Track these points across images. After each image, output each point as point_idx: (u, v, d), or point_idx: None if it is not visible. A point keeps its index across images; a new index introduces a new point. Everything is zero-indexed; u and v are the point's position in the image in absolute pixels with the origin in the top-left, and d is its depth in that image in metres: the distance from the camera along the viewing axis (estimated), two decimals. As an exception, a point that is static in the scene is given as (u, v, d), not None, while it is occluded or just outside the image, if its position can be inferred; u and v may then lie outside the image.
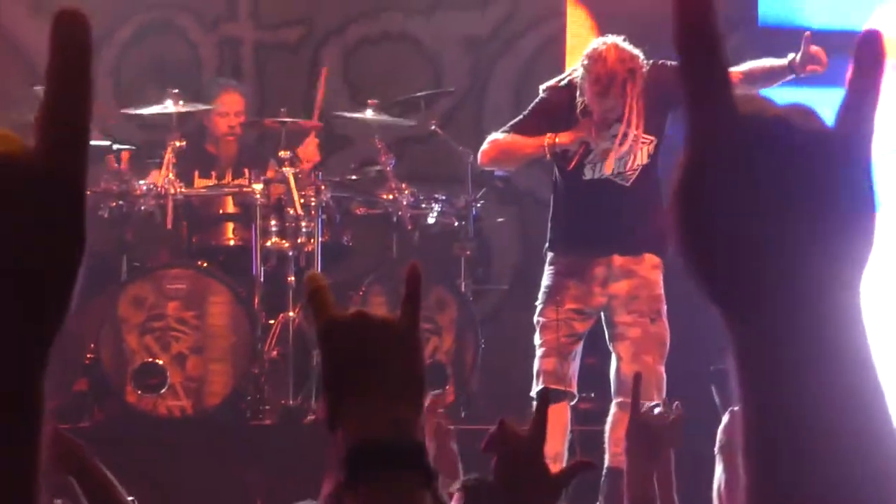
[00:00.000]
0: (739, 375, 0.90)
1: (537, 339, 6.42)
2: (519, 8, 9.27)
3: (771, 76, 6.26)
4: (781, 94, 6.35)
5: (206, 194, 7.56)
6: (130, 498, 3.11)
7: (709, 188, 0.88)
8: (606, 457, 6.05)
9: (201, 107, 7.87)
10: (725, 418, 3.45)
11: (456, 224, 7.81)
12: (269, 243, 7.37)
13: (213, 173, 7.78)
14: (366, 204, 7.71)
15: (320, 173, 7.56)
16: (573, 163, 6.30)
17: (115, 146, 7.66)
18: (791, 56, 6.26)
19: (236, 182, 7.57)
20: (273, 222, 7.39)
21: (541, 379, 6.32)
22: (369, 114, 7.78)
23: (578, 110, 6.24)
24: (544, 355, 6.36)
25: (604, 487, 6.02)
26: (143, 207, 7.35)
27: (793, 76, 6.26)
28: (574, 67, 6.36)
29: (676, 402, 3.36)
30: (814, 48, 6.23)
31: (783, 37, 7.30)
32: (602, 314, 6.39)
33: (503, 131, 6.43)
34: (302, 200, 7.33)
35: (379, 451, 1.54)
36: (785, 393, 0.89)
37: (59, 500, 3.09)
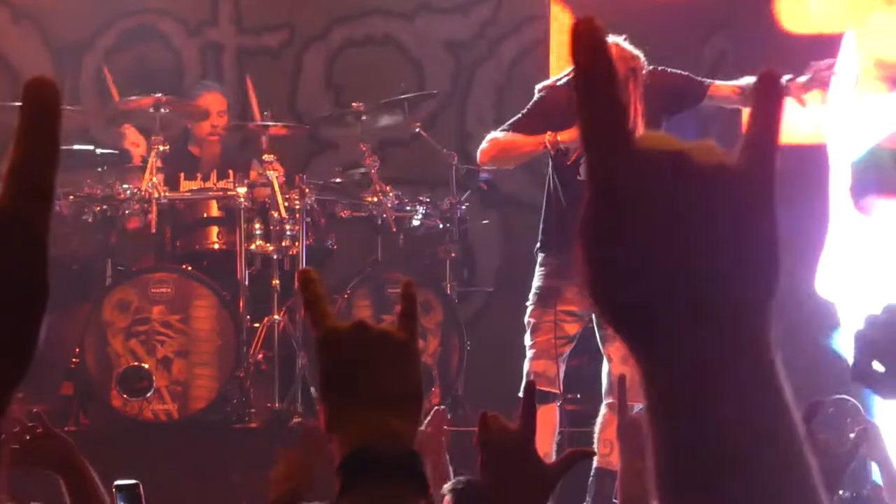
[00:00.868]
0: (648, 410, 0.91)
1: (528, 340, 6.42)
2: (501, 11, 9.28)
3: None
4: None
5: (190, 198, 7.56)
6: (135, 481, 3.14)
7: (609, 225, 0.89)
8: (595, 458, 6.06)
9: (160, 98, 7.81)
10: None
11: (441, 226, 7.81)
12: (253, 247, 7.37)
13: (198, 175, 7.78)
14: (350, 207, 7.71)
15: (305, 176, 7.55)
16: (572, 159, 6.29)
17: (98, 150, 7.67)
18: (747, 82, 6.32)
19: (220, 185, 7.56)
20: (257, 226, 7.39)
21: (531, 380, 6.31)
22: (353, 117, 7.79)
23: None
24: (536, 357, 6.37)
25: (592, 487, 6.03)
26: (127, 212, 7.35)
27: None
28: (572, 67, 6.36)
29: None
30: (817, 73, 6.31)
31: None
32: (593, 316, 6.39)
33: (502, 130, 6.43)
34: (286, 204, 7.33)
35: (375, 459, 1.55)
36: (694, 427, 0.89)
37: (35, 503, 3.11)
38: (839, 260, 8.28)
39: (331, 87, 9.26)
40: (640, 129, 6.18)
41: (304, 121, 8.56)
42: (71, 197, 7.30)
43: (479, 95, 9.28)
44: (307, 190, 7.41)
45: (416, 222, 7.79)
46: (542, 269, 6.45)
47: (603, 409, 6.24)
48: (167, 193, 7.39)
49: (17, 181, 0.90)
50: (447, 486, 3.37)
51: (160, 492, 6.73)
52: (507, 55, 9.28)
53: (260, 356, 7.37)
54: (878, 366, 2.69)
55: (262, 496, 6.09)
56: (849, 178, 8.26)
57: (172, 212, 7.48)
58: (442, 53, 9.31)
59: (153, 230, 7.34)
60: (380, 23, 9.33)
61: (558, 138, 6.22)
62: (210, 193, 7.53)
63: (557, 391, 6.30)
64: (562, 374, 6.35)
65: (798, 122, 7.75)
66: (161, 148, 7.41)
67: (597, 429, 6.15)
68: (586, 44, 0.90)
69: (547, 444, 6.06)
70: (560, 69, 7.34)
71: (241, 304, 7.35)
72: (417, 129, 7.98)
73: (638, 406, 3.52)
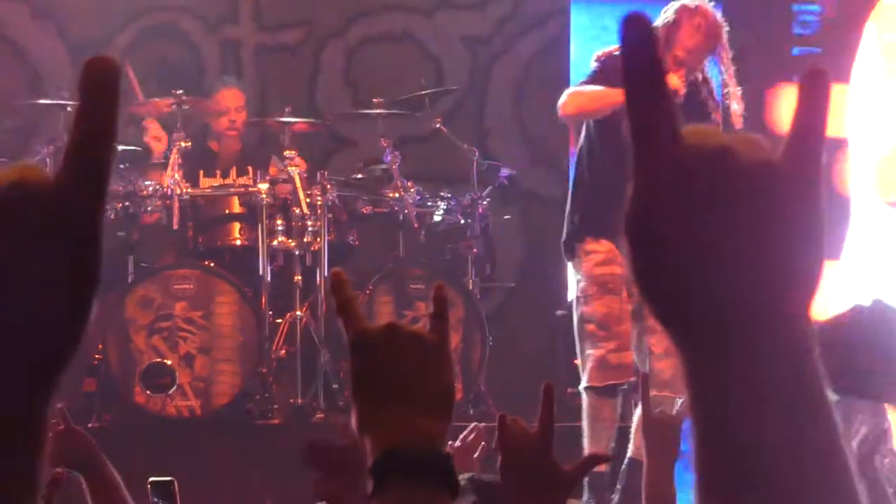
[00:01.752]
0: (691, 402, 0.91)
1: (599, 332, 6.19)
2: (520, 7, 9.28)
3: None
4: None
5: (211, 194, 7.58)
6: (170, 478, 3.14)
7: (655, 218, 0.89)
8: (630, 447, 6.01)
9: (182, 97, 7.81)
10: None
11: (462, 222, 7.81)
12: (275, 243, 7.38)
13: (218, 171, 7.79)
14: (371, 203, 7.71)
15: (326, 172, 7.57)
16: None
17: (120, 147, 7.68)
18: None
19: (242, 181, 7.58)
20: (279, 222, 7.40)
21: (620, 373, 6.14)
22: (374, 112, 7.80)
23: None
24: (620, 348, 6.17)
25: (623, 477, 6.01)
26: (149, 208, 7.37)
27: None
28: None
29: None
30: None
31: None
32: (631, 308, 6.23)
33: (578, 85, 6.32)
34: (308, 200, 7.34)
35: (406, 460, 1.56)
36: (735, 422, 0.89)
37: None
38: (858, 257, 8.27)
39: (349, 84, 9.26)
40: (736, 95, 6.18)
41: (322, 117, 8.56)
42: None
43: (498, 91, 9.28)
44: (329, 186, 7.42)
45: (437, 218, 7.79)
46: (593, 256, 6.22)
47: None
48: (189, 190, 7.41)
49: (73, 162, 0.90)
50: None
51: (182, 488, 6.74)
52: (525, 51, 9.28)
53: (282, 352, 7.39)
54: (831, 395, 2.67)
55: (288, 492, 6.11)
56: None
57: (194, 208, 7.50)
58: (460, 50, 9.31)
59: (175, 227, 7.36)
60: (398, 19, 9.34)
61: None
62: (232, 189, 7.55)
63: (633, 379, 6.12)
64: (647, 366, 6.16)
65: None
66: (182, 144, 7.43)
67: (634, 419, 6.09)
68: (632, 38, 0.90)
69: (605, 445, 5.99)
70: (581, 65, 7.33)
71: (263, 300, 7.36)
72: (438, 125, 7.98)
73: (680, 399, 3.52)
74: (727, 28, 6.17)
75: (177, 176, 7.35)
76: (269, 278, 7.40)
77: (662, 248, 0.89)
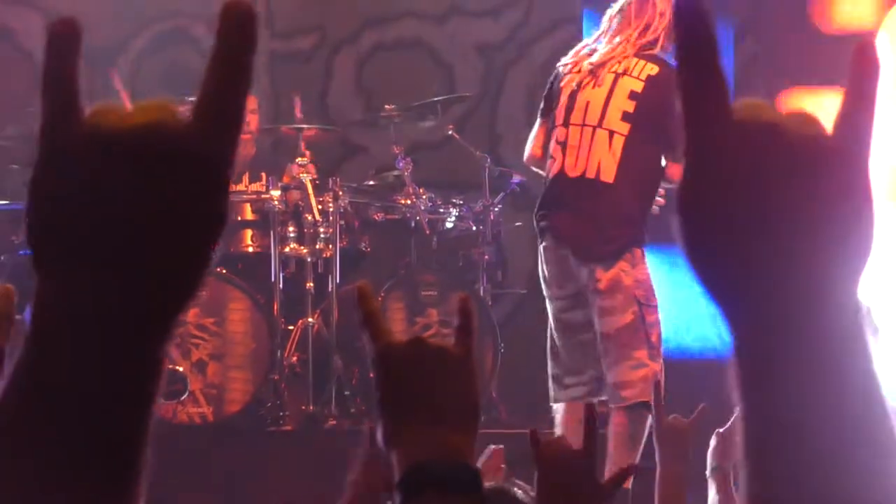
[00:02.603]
0: (739, 381, 0.92)
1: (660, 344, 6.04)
2: (533, 14, 9.28)
3: None
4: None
5: (224, 201, 7.57)
6: None
7: (706, 194, 0.90)
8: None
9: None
10: (713, 442, 3.44)
11: (474, 228, 7.81)
12: (287, 249, 7.38)
13: (231, 177, 7.78)
14: (384, 209, 7.70)
15: (338, 179, 7.56)
16: None
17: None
18: None
19: (254, 188, 7.58)
20: (291, 228, 7.40)
21: (593, 403, 6.00)
22: (386, 120, 7.80)
23: None
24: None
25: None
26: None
27: None
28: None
29: (703, 405, 3.35)
30: None
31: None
32: None
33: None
34: (320, 206, 7.34)
35: (434, 474, 1.56)
36: (783, 399, 0.90)
37: None
38: (878, 264, 8.25)
39: (362, 91, 9.27)
40: None
41: (334, 124, 8.56)
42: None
43: (510, 98, 9.28)
44: (340, 192, 7.41)
45: (449, 224, 7.79)
46: (645, 264, 6.08)
47: None
48: (201, 196, 7.40)
49: (206, 107, 0.90)
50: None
51: (194, 494, 6.76)
52: (538, 58, 9.28)
53: (294, 359, 7.39)
54: None
55: (300, 499, 6.10)
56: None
57: (206, 215, 7.48)
58: (473, 56, 9.31)
59: (187, 233, 7.35)
60: (411, 26, 9.34)
61: None
62: (244, 196, 7.55)
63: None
64: None
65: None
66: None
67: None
68: (687, 14, 0.91)
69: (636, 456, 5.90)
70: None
71: (275, 306, 7.36)
72: (451, 132, 7.98)
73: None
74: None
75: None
76: (281, 285, 7.40)
77: (711, 223, 0.90)
